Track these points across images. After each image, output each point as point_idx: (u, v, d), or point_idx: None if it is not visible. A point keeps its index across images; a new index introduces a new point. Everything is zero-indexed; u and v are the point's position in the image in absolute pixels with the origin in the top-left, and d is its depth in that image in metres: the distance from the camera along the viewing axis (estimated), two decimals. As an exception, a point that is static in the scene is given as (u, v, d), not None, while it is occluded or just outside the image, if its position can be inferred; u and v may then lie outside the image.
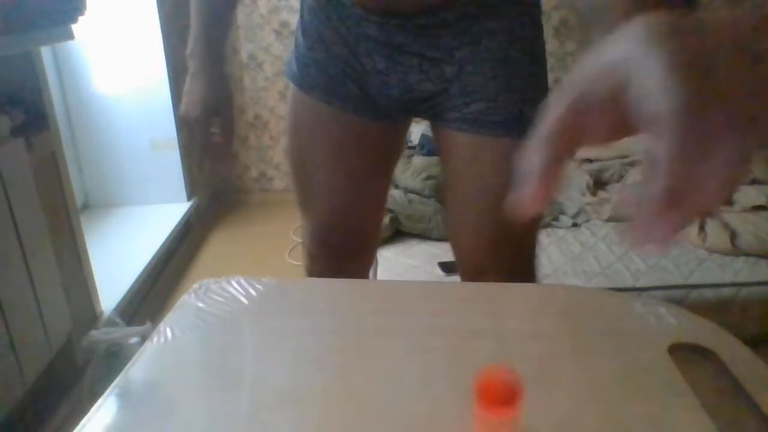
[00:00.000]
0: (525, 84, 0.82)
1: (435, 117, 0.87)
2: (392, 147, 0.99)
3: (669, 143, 0.27)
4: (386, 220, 1.95)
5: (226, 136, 0.92)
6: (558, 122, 0.31)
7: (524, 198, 0.32)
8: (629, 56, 0.29)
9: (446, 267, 1.78)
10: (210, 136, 0.91)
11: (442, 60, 0.80)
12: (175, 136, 2.39)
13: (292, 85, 0.92)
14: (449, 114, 0.83)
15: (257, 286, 0.55)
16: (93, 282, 1.63)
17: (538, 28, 0.84)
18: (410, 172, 2.23)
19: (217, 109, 0.90)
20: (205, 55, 0.88)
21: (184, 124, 0.90)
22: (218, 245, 2.58)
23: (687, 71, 0.27)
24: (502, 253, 0.86)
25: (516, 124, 0.81)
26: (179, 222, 2.33)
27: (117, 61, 2.23)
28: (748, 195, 2.00)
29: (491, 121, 0.81)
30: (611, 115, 0.30)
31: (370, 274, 1.73)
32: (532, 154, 0.31)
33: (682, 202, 0.28)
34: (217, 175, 3.02)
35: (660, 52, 0.28)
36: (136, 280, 1.86)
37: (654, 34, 0.28)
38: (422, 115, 0.88)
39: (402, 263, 1.86)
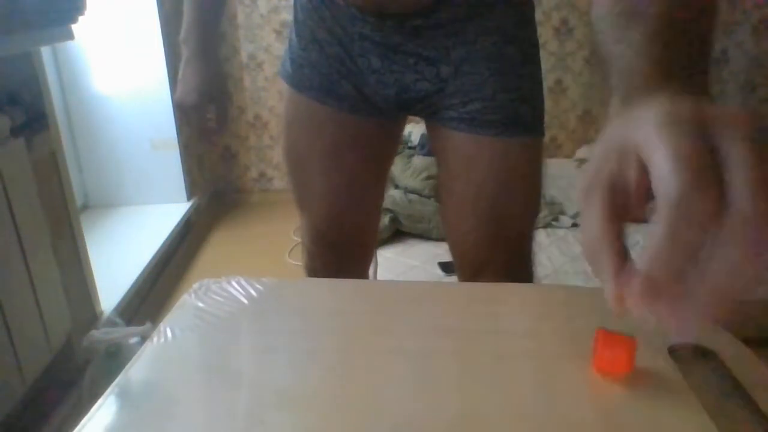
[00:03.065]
0: (521, 83, 0.82)
1: (431, 116, 0.87)
2: (388, 145, 1.00)
3: (660, 230, 0.28)
4: (386, 220, 1.96)
5: (220, 122, 0.96)
6: (606, 221, 0.32)
7: (614, 300, 0.32)
8: (646, 142, 0.30)
9: (446, 267, 1.78)
10: (206, 122, 0.94)
11: (438, 59, 0.80)
12: (175, 136, 2.39)
13: (287, 86, 0.92)
14: (445, 113, 0.83)
15: (257, 286, 0.55)
16: (93, 282, 1.63)
17: (531, 26, 0.84)
18: (410, 172, 2.23)
19: (211, 96, 0.93)
20: (199, 41, 0.91)
21: (180, 110, 0.93)
22: (218, 245, 2.58)
23: (688, 162, 0.28)
24: (499, 251, 0.86)
25: (513, 123, 0.81)
26: (179, 222, 2.33)
27: (117, 61, 2.24)
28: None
29: (488, 121, 0.81)
30: (642, 190, 0.31)
31: (370, 274, 1.73)
32: (597, 256, 0.32)
33: (660, 294, 0.29)
34: (217, 175, 3.01)
35: (669, 141, 0.29)
36: (136, 280, 1.86)
37: (666, 123, 0.29)
38: (418, 113, 0.89)
39: (402, 263, 1.86)
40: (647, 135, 0.30)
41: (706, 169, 0.28)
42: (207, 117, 0.94)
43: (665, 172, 0.28)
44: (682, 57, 0.37)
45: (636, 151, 0.31)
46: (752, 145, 0.28)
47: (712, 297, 0.28)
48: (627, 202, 0.32)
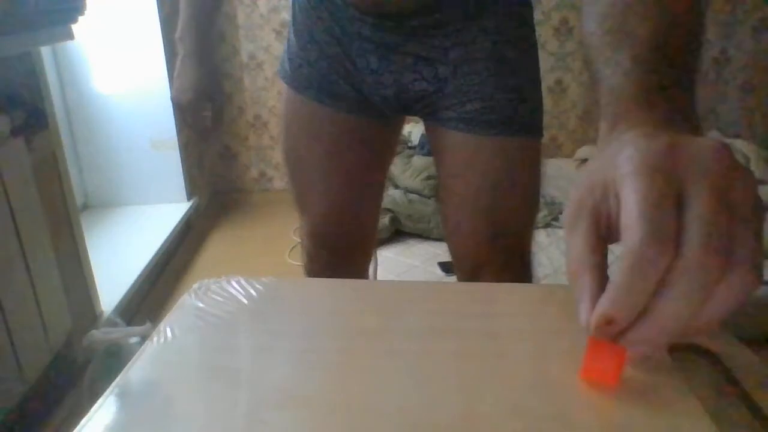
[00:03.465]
0: (520, 83, 0.82)
1: (430, 116, 0.87)
2: (387, 145, 1.00)
3: (620, 271, 0.31)
4: (386, 220, 1.96)
5: (216, 120, 0.97)
6: (589, 249, 0.34)
7: (585, 324, 0.34)
8: (622, 183, 0.32)
9: (446, 267, 1.78)
10: (202, 121, 0.95)
11: (437, 60, 0.80)
12: (175, 136, 2.39)
13: (285, 86, 0.92)
14: (444, 113, 0.83)
15: (257, 286, 0.55)
16: (93, 282, 1.63)
17: (530, 26, 0.84)
18: (410, 172, 2.23)
19: (207, 94, 0.93)
20: (194, 39, 0.91)
21: (176, 108, 0.93)
22: (218, 245, 2.58)
23: (651, 215, 0.30)
24: (499, 251, 0.86)
25: (511, 123, 0.81)
26: (179, 222, 2.33)
27: (117, 61, 2.24)
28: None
29: (487, 121, 0.81)
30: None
31: (370, 274, 1.73)
32: (577, 282, 0.34)
33: (613, 328, 0.32)
34: (217, 175, 3.01)
35: (638, 186, 0.31)
36: (136, 280, 1.86)
37: (639, 170, 0.31)
38: (417, 114, 0.89)
39: (402, 263, 1.86)
40: (623, 177, 0.32)
41: (667, 223, 0.30)
42: (203, 115, 0.95)
43: (630, 219, 0.31)
44: (669, 80, 0.38)
45: (615, 188, 0.33)
46: (716, 199, 0.30)
47: (652, 335, 0.32)
48: (610, 227, 0.34)
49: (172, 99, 0.93)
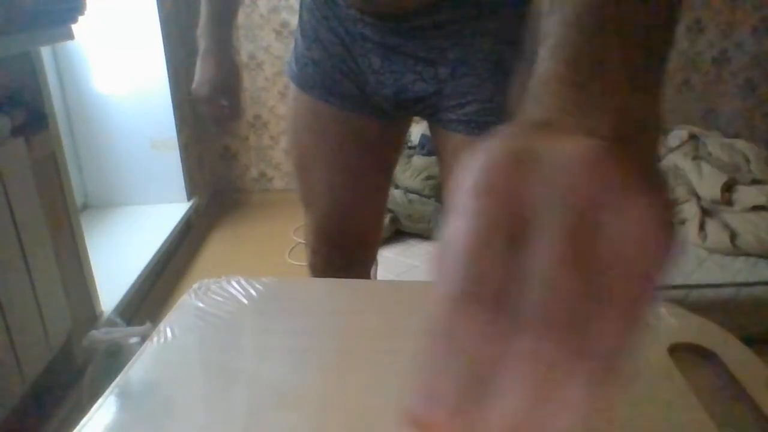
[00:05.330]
0: None
1: (430, 117, 0.87)
2: (392, 144, 1.00)
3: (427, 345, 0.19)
4: (386, 220, 1.96)
5: (232, 112, 1.00)
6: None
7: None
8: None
9: (446, 267, 1.78)
10: (219, 112, 0.98)
11: (436, 61, 0.80)
12: (175, 136, 2.39)
13: (292, 85, 0.93)
14: (444, 114, 0.84)
15: (257, 286, 0.55)
16: (93, 282, 1.63)
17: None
18: (410, 172, 2.22)
19: (224, 88, 0.96)
20: (214, 35, 0.94)
21: (194, 101, 0.97)
22: (218, 245, 2.58)
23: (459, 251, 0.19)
24: None
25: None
26: (179, 222, 2.33)
27: (117, 61, 2.24)
28: (748, 195, 1.99)
29: (486, 123, 0.81)
30: None
31: (371, 273, 1.74)
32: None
33: None
34: (217, 175, 3.01)
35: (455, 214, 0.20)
36: (136, 280, 1.86)
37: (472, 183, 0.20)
38: (418, 114, 0.89)
39: (402, 263, 1.85)
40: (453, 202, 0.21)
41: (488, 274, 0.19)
42: (221, 106, 0.98)
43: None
44: (612, 53, 0.25)
45: None
46: (570, 244, 0.18)
47: None
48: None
49: (192, 92, 0.96)
